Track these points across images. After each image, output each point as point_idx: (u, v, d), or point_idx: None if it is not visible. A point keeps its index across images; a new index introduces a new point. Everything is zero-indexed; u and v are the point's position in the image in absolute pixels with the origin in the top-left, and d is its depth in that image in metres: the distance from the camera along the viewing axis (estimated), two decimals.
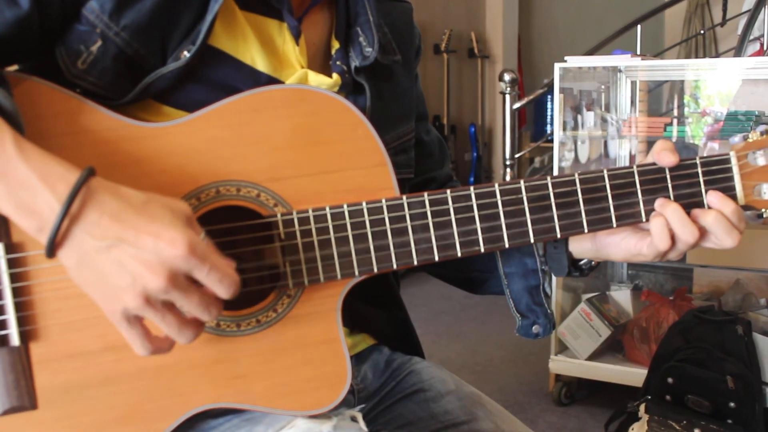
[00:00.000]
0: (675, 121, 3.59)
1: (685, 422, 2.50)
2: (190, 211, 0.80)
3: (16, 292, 0.85)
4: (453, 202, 0.94)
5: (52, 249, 0.75)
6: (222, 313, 0.81)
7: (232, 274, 0.78)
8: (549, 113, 7.00)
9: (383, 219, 0.92)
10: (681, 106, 3.60)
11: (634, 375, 2.91)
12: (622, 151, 3.48)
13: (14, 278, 0.85)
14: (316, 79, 1.00)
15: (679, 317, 2.90)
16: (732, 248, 0.98)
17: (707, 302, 3.10)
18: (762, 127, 0.99)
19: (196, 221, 0.81)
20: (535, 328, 1.12)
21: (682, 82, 3.60)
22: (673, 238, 0.98)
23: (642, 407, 2.62)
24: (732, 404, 2.55)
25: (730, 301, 3.07)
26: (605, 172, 0.97)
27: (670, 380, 2.65)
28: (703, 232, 0.98)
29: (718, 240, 0.98)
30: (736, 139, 1.00)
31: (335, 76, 1.03)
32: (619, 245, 1.03)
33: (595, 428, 2.88)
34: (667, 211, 0.97)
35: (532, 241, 0.96)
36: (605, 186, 0.97)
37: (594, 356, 3.11)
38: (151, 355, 0.80)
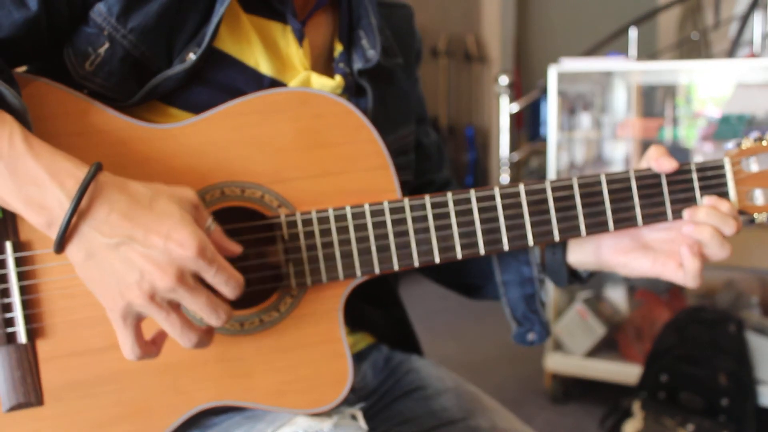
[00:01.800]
0: (669, 123, 3.60)
1: (678, 419, 2.51)
2: (197, 199, 0.80)
3: (24, 290, 0.85)
4: (454, 205, 0.94)
5: (61, 244, 0.76)
6: (232, 316, 0.81)
7: (238, 276, 0.79)
8: (545, 115, 7.01)
9: (385, 221, 0.92)
10: (674, 108, 3.61)
11: (628, 373, 2.92)
12: (617, 152, 3.49)
13: (22, 276, 0.85)
14: (319, 82, 1.00)
15: (673, 316, 2.90)
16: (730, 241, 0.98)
17: (701, 301, 3.11)
18: (754, 134, 1.00)
19: (203, 208, 0.81)
20: (530, 336, 1.13)
21: (675, 84, 3.61)
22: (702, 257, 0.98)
23: (636, 404, 2.63)
24: (724, 401, 2.56)
25: (722, 301, 3.07)
26: (603, 176, 0.97)
27: (664, 378, 2.65)
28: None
29: (715, 254, 0.97)
30: (730, 145, 1.01)
31: (338, 78, 1.02)
32: (629, 266, 1.02)
33: (591, 425, 2.88)
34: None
35: (531, 243, 0.96)
36: (602, 191, 0.97)
37: (589, 354, 3.11)
38: (137, 360, 0.80)
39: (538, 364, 3.28)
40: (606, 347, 3.16)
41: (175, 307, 0.78)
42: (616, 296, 3.28)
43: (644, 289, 3.26)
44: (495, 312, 4.29)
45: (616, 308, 3.25)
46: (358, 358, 1.16)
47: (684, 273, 0.98)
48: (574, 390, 3.17)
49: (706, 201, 0.99)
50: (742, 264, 3.01)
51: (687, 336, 2.72)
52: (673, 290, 3.22)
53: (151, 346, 0.82)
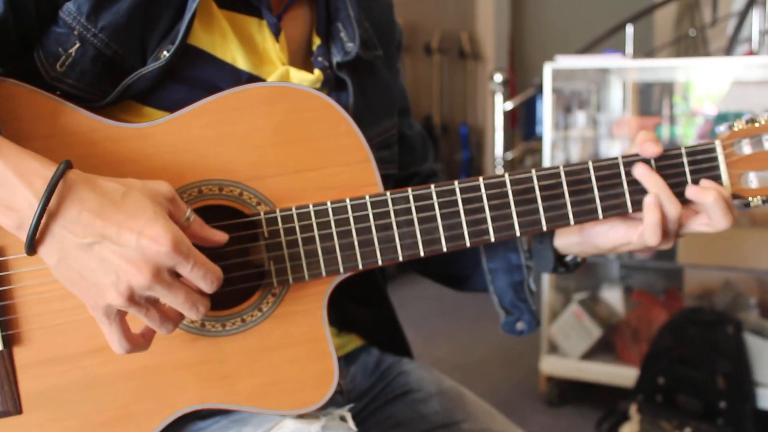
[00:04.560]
0: (666, 121, 3.61)
1: (676, 422, 2.51)
2: (172, 192, 0.80)
3: None
4: (437, 197, 0.94)
5: (32, 246, 0.75)
6: (209, 310, 0.81)
7: (215, 269, 0.79)
8: (540, 113, 7.03)
9: (367, 215, 0.92)
10: (671, 106, 3.61)
11: (625, 375, 2.92)
12: (613, 151, 3.49)
13: None
14: (298, 76, 1.00)
15: (670, 317, 2.91)
16: (724, 244, 0.97)
17: (698, 302, 3.11)
18: (747, 116, 0.99)
19: (180, 200, 0.81)
20: (520, 325, 1.12)
21: (672, 82, 3.61)
22: (665, 233, 0.97)
23: (633, 407, 2.63)
24: (722, 404, 2.56)
25: (720, 302, 3.07)
26: (590, 164, 0.97)
27: (661, 380, 2.66)
28: (688, 215, 0.98)
29: (714, 221, 0.96)
30: (722, 128, 0.99)
31: (317, 72, 1.02)
32: (607, 234, 1.02)
33: (587, 429, 2.88)
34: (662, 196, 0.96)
35: (518, 234, 0.96)
36: (590, 178, 0.97)
37: (585, 357, 3.12)
38: (127, 354, 0.80)
39: (533, 366, 3.28)
40: (602, 349, 3.17)
41: (153, 302, 0.78)
42: (613, 297, 3.28)
43: (641, 290, 3.27)
44: (488, 314, 4.29)
45: (613, 309, 3.26)
46: (347, 360, 1.17)
47: (644, 229, 0.97)
48: (570, 393, 3.17)
49: (705, 184, 0.97)
50: (740, 265, 3.01)
51: (684, 338, 2.73)
52: (670, 291, 3.22)
53: (140, 339, 0.82)
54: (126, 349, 0.80)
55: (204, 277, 0.78)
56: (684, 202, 0.98)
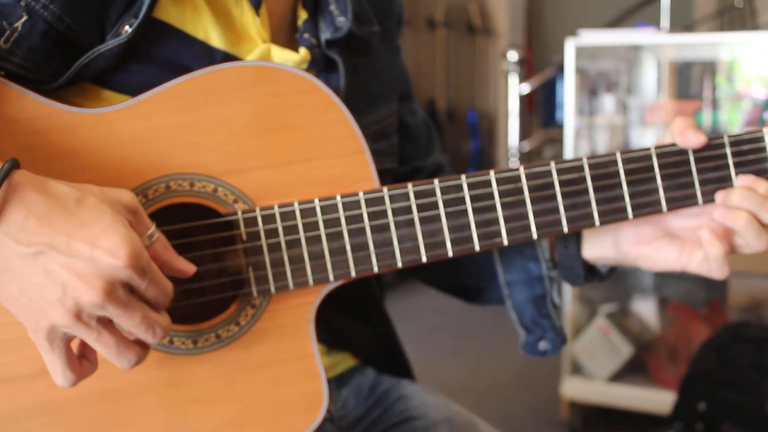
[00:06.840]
0: (708, 106, 3.61)
1: None
2: (135, 203, 0.80)
3: None
4: (442, 193, 0.94)
5: None
6: (179, 324, 0.81)
7: (168, 289, 0.79)
8: (561, 97, 7.03)
9: (361, 215, 0.93)
10: (714, 88, 3.62)
11: (660, 400, 2.93)
12: (646, 141, 3.50)
13: None
14: (281, 55, 1.01)
15: (712, 333, 2.91)
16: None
17: (745, 316, 3.12)
18: None
19: (144, 214, 0.81)
20: (543, 345, 1.13)
21: (715, 61, 3.62)
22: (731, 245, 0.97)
23: None
24: None
25: None
26: (618, 155, 0.98)
27: (701, 406, 2.66)
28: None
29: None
30: None
31: (303, 51, 1.03)
32: (653, 259, 1.02)
33: None
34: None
35: (534, 236, 0.96)
36: (618, 171, 0.98)
37: (614, 378, 3.13)
38: (72, 386, 0.80)
39: (554, 390, 3.29)
40: (633, 370, 3.18)
41: (106, 324, 0.77)
42: (645, 310, 3.29)
43: (678, 302, 3.27)
44: (500, 328, 4.32)
45: (645, 324, 3.26)
46: (339, 382, 1.17)
47: (708, 262, 0.98)
48: (596, 420, 3.18)
49: (742, 181, 0.98)
50: None
51: (729, 357, 2.73)
52: (712, 303, 3.23)
53: (86, 365, 0.81)
54: (71, 381, 0.79)
55: (156, 297, 0.78)
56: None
